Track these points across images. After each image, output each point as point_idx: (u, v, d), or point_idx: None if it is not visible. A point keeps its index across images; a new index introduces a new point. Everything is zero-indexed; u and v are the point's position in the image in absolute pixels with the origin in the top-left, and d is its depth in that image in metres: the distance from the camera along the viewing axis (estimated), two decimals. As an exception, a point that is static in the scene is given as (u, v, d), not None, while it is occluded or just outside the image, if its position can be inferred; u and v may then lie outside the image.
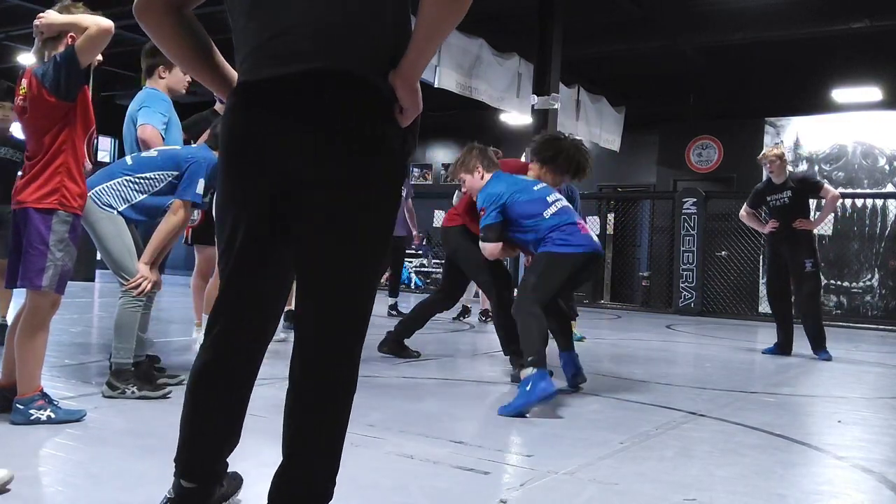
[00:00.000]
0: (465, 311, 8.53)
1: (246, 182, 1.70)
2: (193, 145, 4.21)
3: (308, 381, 1.72)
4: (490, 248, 4.36)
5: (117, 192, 3.65)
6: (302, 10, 1.63)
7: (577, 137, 4.87)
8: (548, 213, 4.29)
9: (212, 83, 1.88)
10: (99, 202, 3.57)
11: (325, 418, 1.73)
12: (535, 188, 4.41)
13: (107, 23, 2.95)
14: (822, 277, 11.46)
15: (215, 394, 1.81)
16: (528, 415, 3.63)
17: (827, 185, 6.85)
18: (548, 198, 4.34)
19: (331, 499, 1.76)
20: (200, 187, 3.63)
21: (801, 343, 6.79)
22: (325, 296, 1.70)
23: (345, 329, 1.71)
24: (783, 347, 6.73)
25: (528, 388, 3.65)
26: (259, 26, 1.67)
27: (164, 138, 4.23)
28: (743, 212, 7.06)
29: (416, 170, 16.41)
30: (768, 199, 6.77)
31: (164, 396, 3.56)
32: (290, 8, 1.63)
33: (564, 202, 4.41)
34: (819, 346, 6.60)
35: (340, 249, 1.66)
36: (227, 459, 1.93)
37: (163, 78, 4.35)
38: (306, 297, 1.72)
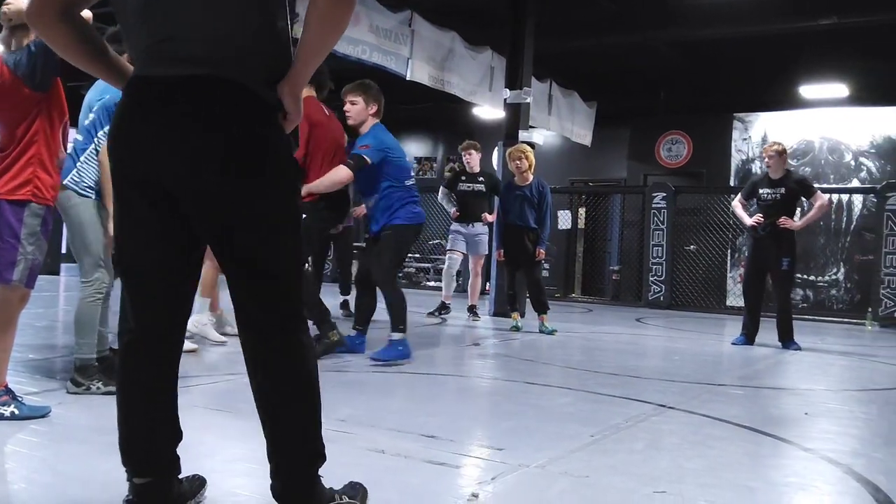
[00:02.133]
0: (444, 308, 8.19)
1: (135, 177, 1.78)
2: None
3: (268, 358, 1.83)
4: (346, 175, 4.84)
5: (87, 172, 3.58)
6: (192, 19, 1.72)
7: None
8: (409, 182, 4.99)
9: (108, 79, 1.98)
10: (79, 188, 3.51)
11: (294, 383, 1.84)
12: (407, 158, 5.21)
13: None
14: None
15: (135, 378, 1.87)
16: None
17: (819, 193, 6.91)
18: (412, 171, 5.09)
19: (324, 458, 1.89)
20: None
21: (765, 335, 6.88)
22: (244, 284, 1.82)
23: (276, 294, 1.82)
24: (750, 338, 6.85)
25: (401, 347, 4.82)
26: (150, 29, 1.75)
27: None
28: (736, 201, 7.12)
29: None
30: (761, 192, 6.80)
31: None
32: (182, 15, 1.72)
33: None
34: (788, 339, 6.73)
35: (240, 239, 1.77)
36: (181, 455, 1.94)
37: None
38: (231, 287, 1.85)
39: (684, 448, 3.13)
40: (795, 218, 6.95)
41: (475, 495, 2.36)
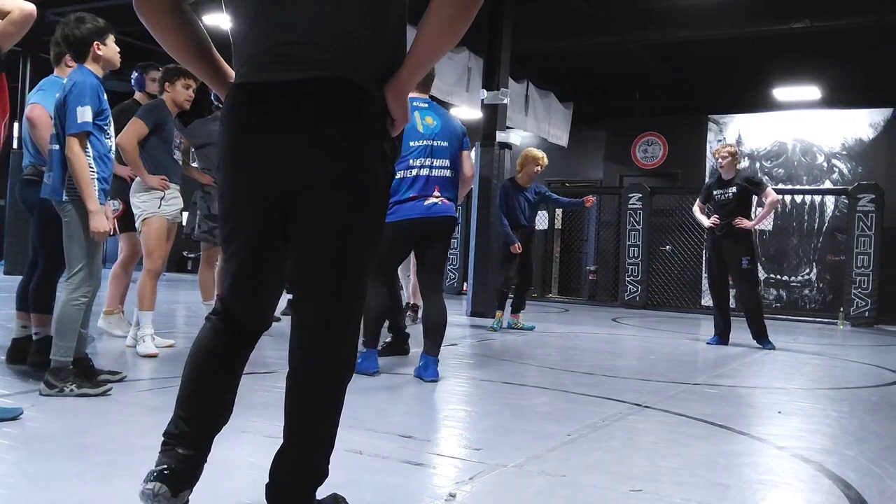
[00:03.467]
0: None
1: (249, 181, 1.77)
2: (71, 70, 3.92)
3: (307, 363, 1.83)
4: None
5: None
6: (310, 21, 1.69)
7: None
8: (400, 173, 4.27)
9: (212, 79, 1.92)
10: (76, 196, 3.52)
11: (322, 399, 1.84)
12: (415, 144, 4.31)
13: (29, 6, 2.84)
14: (760, 273, 11.79)
15: (219, 369, 1.87)
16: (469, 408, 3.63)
17: (770, 188, 7.01)
18: (412, 160, 4.31)
19: (327, 475, 1.91)
20: (84, 114, 3.47)
21: (738, 334, 6.95)
22: (325, 288, 1.79)
23: (342, 311, 1.81)
24: (724, 337, 6.93)
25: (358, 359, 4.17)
26: (266, 32, 1.72)
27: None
28: (695, 206, 7.24)
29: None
30: (714, 193, 6.92)
31: (105, 394, 3.47)
32: (299, 17, 1.69)
33: (436, 174, 4.34)
34: (762, 337, 6.81)
35: (340, 244, 1.76)
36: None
37: (68, 65, 4.21)
38: (304, 288, 1.82)
39: (660, 447, 3.15)
40: (758, 217, 7.05)
41: (452, 495, 2.36)
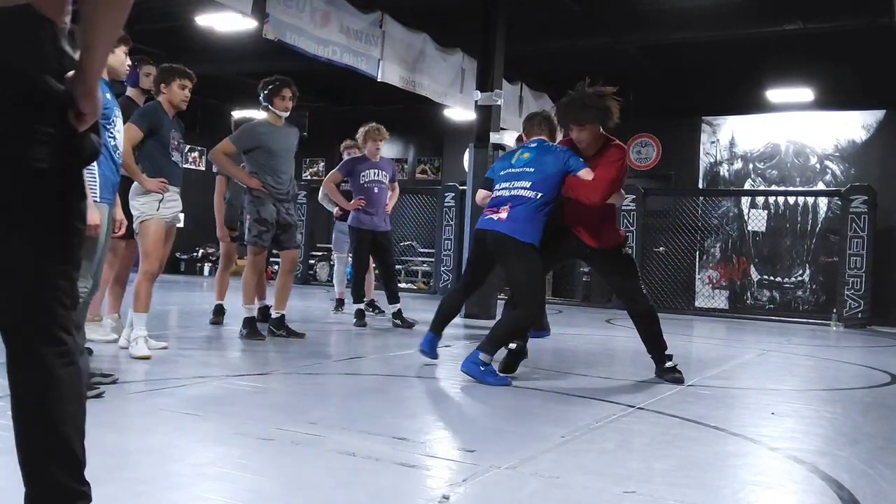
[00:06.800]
0: (341, 304, 8.29)
1: None
2: None
3: (19, 374, 1.71)
4: (477, 196, 5.06)
5: (92, 178, 3.60)
6: None
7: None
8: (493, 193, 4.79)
9: None
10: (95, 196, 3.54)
11: (46, 415, 1.74)
12: (503, 172, 4.77)
13: None
14: (753, 274, 11.80)
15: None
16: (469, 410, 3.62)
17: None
18: (497, 185, 4.76)
19: (89, 499, 1.73)
20: None
21: (736, 334, 6.95)
22: (10, 288, 1.64)
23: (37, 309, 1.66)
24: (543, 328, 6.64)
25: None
26: None
27: None
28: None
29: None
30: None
31: (97, 396, 3.45)
32: None
33: (514, 192, 4.62)
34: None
35: (14, 242, 1.60)
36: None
37: None
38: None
39: (654, 448, 3.15)
40: None
41: (446, 497, 2.35)
